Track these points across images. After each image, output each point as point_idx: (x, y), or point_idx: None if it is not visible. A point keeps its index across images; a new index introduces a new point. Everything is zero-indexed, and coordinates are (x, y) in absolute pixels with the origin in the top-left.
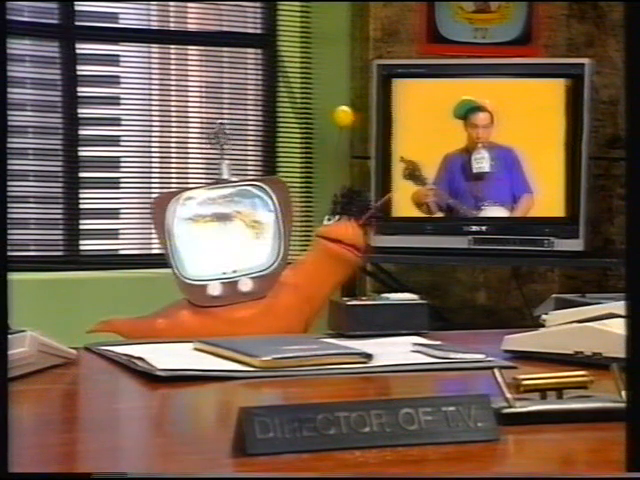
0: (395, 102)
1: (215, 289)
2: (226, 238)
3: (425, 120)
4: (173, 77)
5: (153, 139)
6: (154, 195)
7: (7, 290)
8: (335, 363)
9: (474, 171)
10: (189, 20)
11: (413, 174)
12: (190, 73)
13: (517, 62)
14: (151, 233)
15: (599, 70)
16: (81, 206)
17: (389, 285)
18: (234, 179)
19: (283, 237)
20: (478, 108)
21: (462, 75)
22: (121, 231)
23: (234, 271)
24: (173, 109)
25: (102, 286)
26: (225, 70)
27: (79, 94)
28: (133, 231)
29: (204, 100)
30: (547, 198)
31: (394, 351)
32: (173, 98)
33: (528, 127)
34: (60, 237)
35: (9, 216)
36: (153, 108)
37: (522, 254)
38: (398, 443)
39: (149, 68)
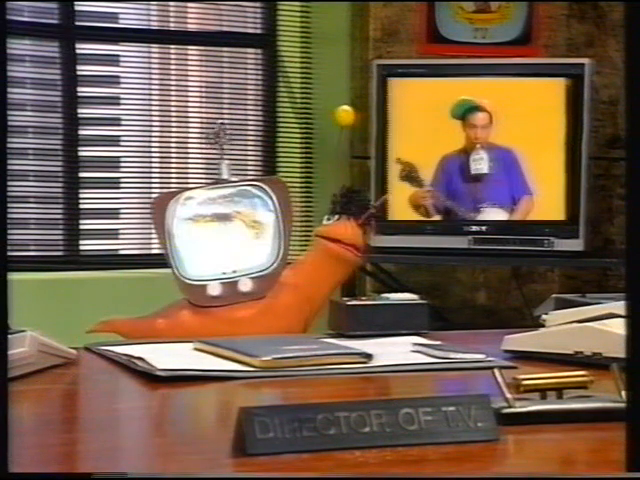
0: (395, 102)
1: (215, 289)
2: (226, 238)
3: (425, 120)
4: (173, 77)
5: (153, 139)
6: (154, 195)
7: (7, 290)
8: (335, 363)
9: (472, 172)
10: (189, 20)
11: (410, 175)
12: (190, 73)
13: (517, 62)
14: (151, 233)
15: (599, 70)
16: (81, 206)
17: (389, 285)
18: (234, 179)
19: (283, 237)
20: (476, 108)
21: (462, 75)
22: (121, 231)
23: (234, 271)
24: (173, 109)
25: (102, 286)
26: (225, 70)
27: (79, 94)
28: (133, 231)
29: (204, 100)
30: (547, 199)
31: (394, 351)
32: (173, 98)
33: (527, 127)
34: (60, 237)
35: (9, 216)
36: (153, 108)
37: (522, 254)
38: (398, 443)
39: (149, 68)
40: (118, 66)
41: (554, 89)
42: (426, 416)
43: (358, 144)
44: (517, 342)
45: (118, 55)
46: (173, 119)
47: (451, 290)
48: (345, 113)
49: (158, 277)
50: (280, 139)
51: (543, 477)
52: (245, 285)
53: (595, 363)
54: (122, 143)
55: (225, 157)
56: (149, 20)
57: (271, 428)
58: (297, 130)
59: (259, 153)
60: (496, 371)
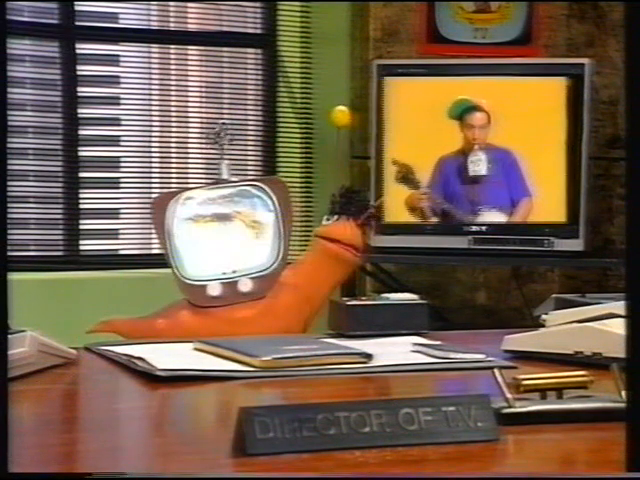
0: (395, 102)
1: (215, 289)
2: (226, 238)
3: (424, 121)
4: (173, 77)
5: (153, 139)
6: (154, 195)
7: (7, 290)
8: (335, 363)
9: (470, 174)
10: (189, 20)
11: (406, 177)
12: (190, 73)
13: (517, 62)
14: (151, 233)
15: (599, 70)
16: (81, 206)
17: (389, 285)
18: (234, 179)
19: (283, 237)
20: (474, 108)
21: (462, 75)
22: (121, 231)
23: (234, 271)
24: (173, 109)
25: (102, 286)
26: (225, 70)
27: (79, 94)
28: (133, 231)
29: (204, 100)
30: (546, 201)
31: (394, 351)
32: (173, 98)
33: (527, 128)
34: (60, 237)
35: (9, 216)
36: (153, 108)
37: (522, 254)
38: (398, 443)
39: (149, 68)
40: (118, 66)
41: (554, 89)
42: (426, 416)
43: (358, 144)
44: (517, 342)
45: (118, 55)
46: (173, 119)
47: (451, 290)
48: (341, 113)
49: (158, 277)
50: (280, 139)
51: (543, 477)
52: (245, 285)
53: (595, 363)
54: (122, 143)
55: (225, 157)
56: (149, 20)
57: (271, 428)
58: (297, 130)
59: (259, 153)
60: (496, 371)
